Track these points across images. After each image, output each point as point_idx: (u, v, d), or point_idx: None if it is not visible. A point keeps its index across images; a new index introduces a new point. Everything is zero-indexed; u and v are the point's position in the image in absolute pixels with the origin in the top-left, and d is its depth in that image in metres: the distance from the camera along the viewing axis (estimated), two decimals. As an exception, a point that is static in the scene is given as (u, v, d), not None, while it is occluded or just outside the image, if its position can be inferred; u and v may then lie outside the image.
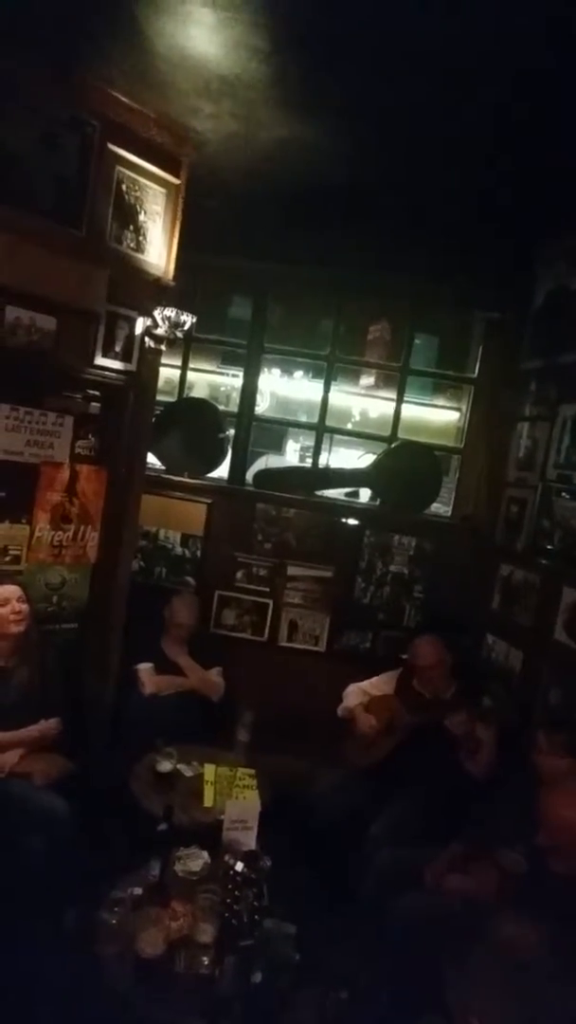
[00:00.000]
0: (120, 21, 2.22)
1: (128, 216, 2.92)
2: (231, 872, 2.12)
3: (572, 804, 1.84)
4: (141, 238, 2.98)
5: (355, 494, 4.25)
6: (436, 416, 4.69)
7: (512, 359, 3.65)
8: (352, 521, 3.92)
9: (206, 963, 1.92)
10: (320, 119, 2.68)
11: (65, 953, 2.20)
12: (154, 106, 2.76)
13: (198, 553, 3.93)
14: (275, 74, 2.39)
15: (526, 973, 1.39)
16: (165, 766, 2.73)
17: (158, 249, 3.06)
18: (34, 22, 2.33)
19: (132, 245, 2.96)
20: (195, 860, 2.29)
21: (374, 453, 4.22)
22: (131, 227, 2.94)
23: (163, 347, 3.12)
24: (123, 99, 2.72)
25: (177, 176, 3.05)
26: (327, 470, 4.27)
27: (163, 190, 3.03)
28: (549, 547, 3.09)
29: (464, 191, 3.06)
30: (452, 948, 1.52)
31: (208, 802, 2.69)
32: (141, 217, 2.96)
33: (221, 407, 4.29)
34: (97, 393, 3.06)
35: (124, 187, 2.88)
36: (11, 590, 2.67)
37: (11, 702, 2.65)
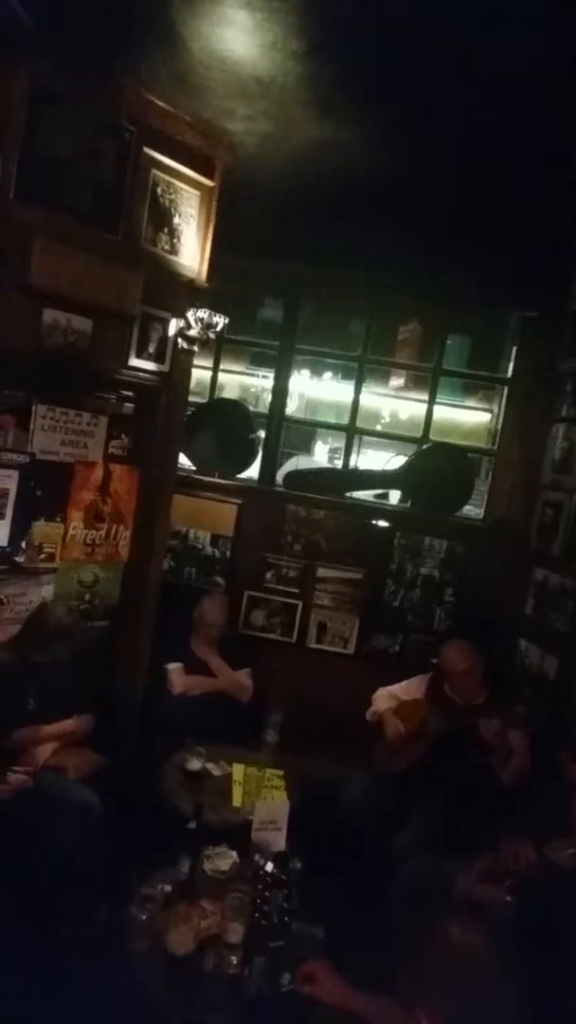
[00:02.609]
0: (157, 26, 2.24)
1: (163, 219, 2.95)
2: (261, 872, 2.12)
3: None
4: (175, 240, 3.01)
5: (385, 496, 4.22)
6: (468, 417, 4.63)
7: (548, 360, 3.59)
8: (382, 523, 3.89)
9: (235, 963, 1.92)
10: (354, 121, 2.68)
11: (95, 947, 2.22)
12: (190, 109, 2.79)
13: (228, 553, 3.95)
14: (310, 75, 2.39)
15: (477, 974, 1.37)
16: (194, 765, 2.75)
17: (192, 251, 3.08)
18: (73, 30, 2.37)
19: (166, 247, 2.99)
20: (224, 859, 2.30)
21: (405, 455, 4.19)
22: (166, 230, 2.97)
23: (195, 348, 3.15)
24: (159, 103, 2.75)
25: (211, 178, 3.07)
26: (357, 471, 4.25)
27: (197, 192, 3.05)
28: (585, 551, 3.03)
29: (500, 191, 3.02)
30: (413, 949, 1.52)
31: (236, 802, 2.69)
32: (175, 220, 2.99)
33: (252, 408, 4.30)
34: (130, 394, 3.10)
35: (159, 190, 2.91)
36: None
37: (46, 697, 2.70)
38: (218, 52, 2.33)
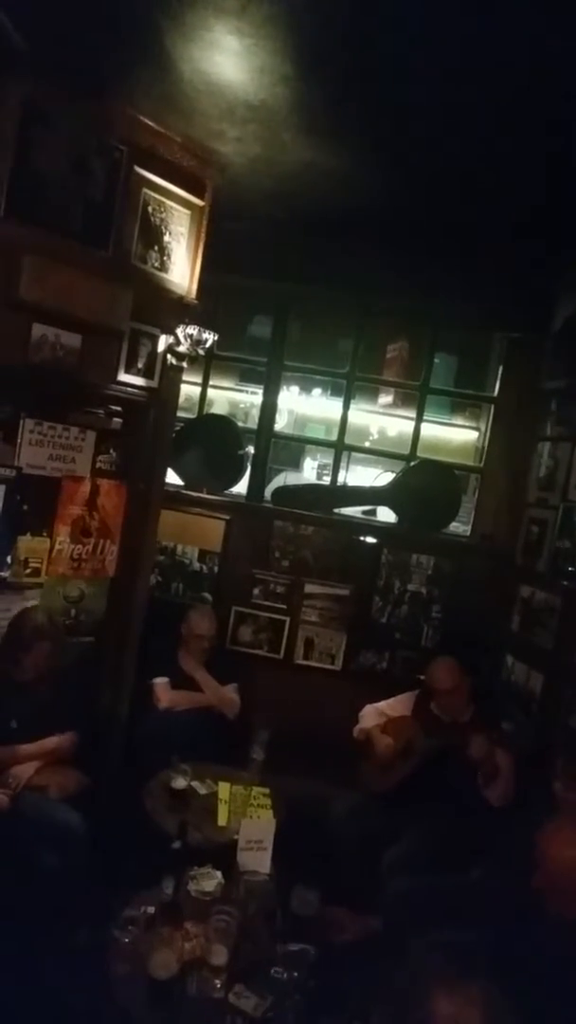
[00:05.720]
0: (148, 49, 2.28)
1: (153, 237, 2.98)
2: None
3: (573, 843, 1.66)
4: (165, 258, 3.04)
5: (373, 512, 4.23)
6: (455, 435, 4.68)
7: (533, 379, 3.64)
8: (370, 539, 3.90)
9: (219, 986, 1.89)
10: (341, 144, 2.73)
11: (76, 971, 2.17)
12: (180, 130, 2.83)
13: (215, 569, 3.94)
14: (298, 99, 2.43)
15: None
16: (179, 783, 2.71)
17: (182, 269, 3.11)
18: (66, 51, 2.41)
19: (156, 265, 3.01)
20: (209, 880, 2.26)
21: (392, 471, 4.21)
22: (156, 247, 3.00)
23: (184, 364, 3.16)
24: (150, 124, 2.79)
25: (201, 198, 3.10)
26: (345, 488, 4.27)
27: (188, 211, 3.08)
28: (570, 568, 3.05)
29: (486, 213, 3.09)
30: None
31: (222, 821, 2.65)
32: (166, 238, 3.02)
33: (240, 424, 4.32)
34: (119, 409, 3.10)
35: (150, 209, 2.94)
36: None
37: (28, 714, 2.66)
38: (208, 75, 2.38)
